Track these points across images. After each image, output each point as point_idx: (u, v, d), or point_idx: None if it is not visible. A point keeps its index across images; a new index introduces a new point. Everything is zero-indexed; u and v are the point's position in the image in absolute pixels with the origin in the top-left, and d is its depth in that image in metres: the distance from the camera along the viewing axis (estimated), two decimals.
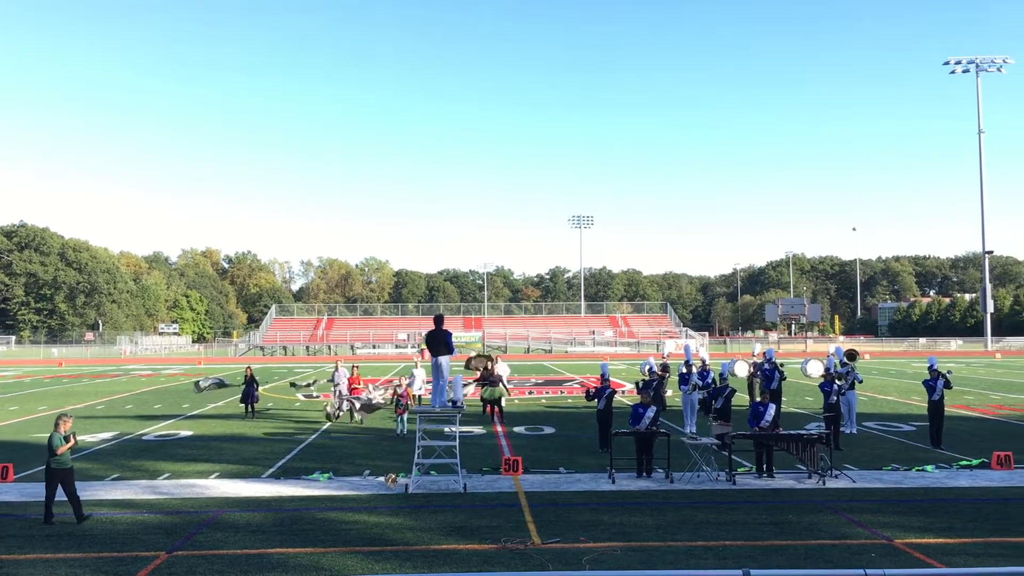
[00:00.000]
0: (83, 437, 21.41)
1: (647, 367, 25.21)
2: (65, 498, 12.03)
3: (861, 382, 22.36)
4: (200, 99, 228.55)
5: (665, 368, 25.62)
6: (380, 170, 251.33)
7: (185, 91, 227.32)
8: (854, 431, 20.94)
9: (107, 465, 17.04)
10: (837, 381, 19.96)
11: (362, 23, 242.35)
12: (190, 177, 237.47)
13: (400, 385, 22.77)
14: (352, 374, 25.44)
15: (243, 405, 25.55)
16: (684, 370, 23.06)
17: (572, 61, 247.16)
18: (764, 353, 25.56)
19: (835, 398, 18.99)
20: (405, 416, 21.27)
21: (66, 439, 12.20)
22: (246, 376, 25.85)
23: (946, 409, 19.62)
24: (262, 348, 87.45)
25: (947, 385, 18.97)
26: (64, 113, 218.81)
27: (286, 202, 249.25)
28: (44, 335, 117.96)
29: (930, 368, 19.34)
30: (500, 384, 24.76)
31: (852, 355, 22.46)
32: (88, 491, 14.38)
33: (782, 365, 24.29)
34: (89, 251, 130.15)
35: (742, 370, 26.69)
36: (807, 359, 28.01)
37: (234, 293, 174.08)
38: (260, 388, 25.80)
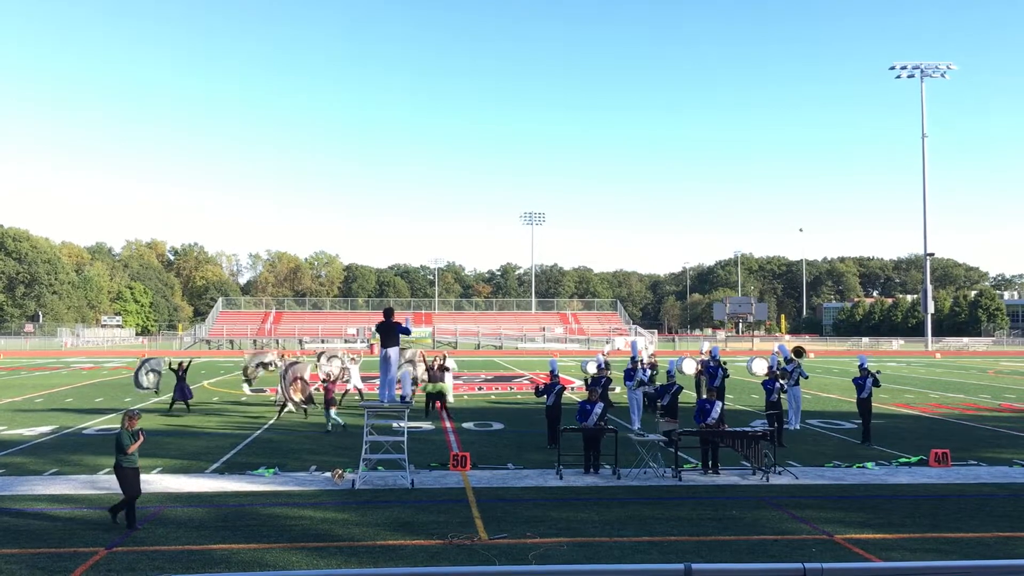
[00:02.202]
0: (21, 431, 20.92)
1: (589, 364, 25.30)
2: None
3: (807, 378, 22.80)
4: (146, 86, 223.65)
5: (606, 366, 25.69)
6: (330, 163, 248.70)
7: (131, 77, 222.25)
8: (798, 427, 21.32)
9: (46, 459, 16.65)
10: (780, 380, 20.30)
11: (298, 13, 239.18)
12: (135, 167, 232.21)
13: (329, 378, 22.72)
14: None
15: (175, 400, 24.76)
16: (630, 367, 23.22)
17: (525, 58, 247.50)
18: (710, 351, 25.88)
19: (776, 396, 19.32)
20: (333, 411, 21.15)
21: (135, 436, 11.76)
22: (180, 369, 25.07)
23: (885, 407, 20.15)
24: (208, 342, 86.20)
25: (876, 383, 19.54)
26: (3, 98, 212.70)
27: (234, 194, 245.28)
28: None
29: (860, 367, 19.90)
30: (445, 379, 24.65)
31: (799, 352, 22.87)
32: (26, 486, 14.09)
33: (726, 363, 24.60)
34: (29, 240, 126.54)
35: (690, 368, 26.99)
36: (753, 357, 28.48)
37: (180, 285, 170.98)
38: (203, 384, 25.23)
